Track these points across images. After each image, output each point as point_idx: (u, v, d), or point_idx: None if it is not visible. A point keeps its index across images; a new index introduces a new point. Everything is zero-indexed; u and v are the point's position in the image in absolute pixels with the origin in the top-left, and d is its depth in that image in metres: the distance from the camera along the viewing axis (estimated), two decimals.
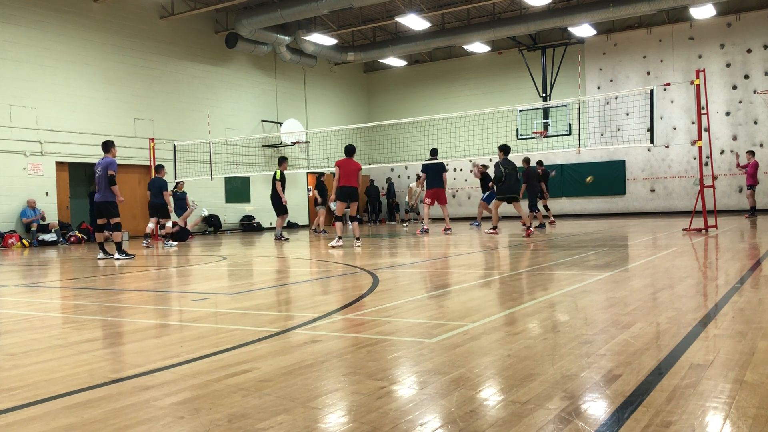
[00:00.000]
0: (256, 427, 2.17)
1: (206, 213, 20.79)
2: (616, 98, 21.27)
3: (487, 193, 16.92)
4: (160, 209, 14.63)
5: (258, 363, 3.05)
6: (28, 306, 5.58)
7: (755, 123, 21.98)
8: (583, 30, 22.29)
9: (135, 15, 19.59)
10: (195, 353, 3.33)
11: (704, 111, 12.42)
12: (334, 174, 12.10)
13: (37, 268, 9.93)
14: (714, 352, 2.97)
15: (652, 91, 12.37)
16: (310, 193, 17.06)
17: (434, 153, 15.70)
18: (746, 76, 22.07)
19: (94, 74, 18.39)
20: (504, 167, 13.08)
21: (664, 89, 22.62)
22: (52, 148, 17.38)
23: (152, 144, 18.17)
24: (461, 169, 26.58)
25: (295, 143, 24.03)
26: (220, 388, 2.64)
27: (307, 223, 25.30)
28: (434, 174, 15.33)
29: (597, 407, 2.27)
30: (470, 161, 16.45)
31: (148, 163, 18.68)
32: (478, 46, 24.94)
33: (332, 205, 15.92)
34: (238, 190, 22.78)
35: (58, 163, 17.64)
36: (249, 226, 22.52)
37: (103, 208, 10.60)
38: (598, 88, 24.19)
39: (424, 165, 15.62)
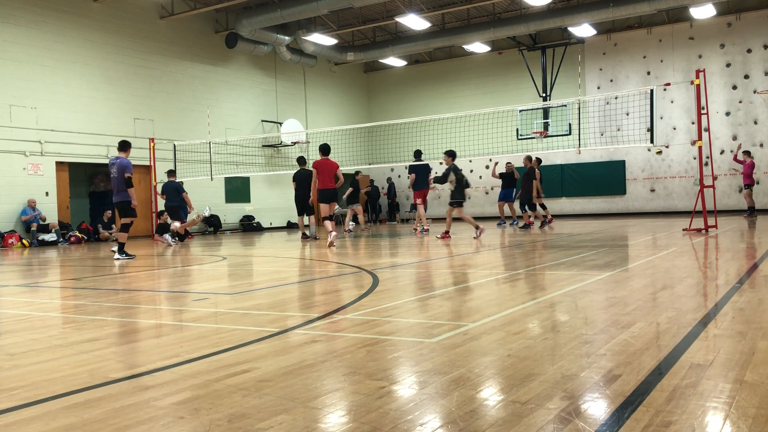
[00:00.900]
0: (256, 427, 2.17)
1: (208, 213, 20.77)
2: (616, 98, 21.26)
3: (503, 192, 17.07)
4: (174, 212, 15.11)
5: (258, 363, 3.05)
6: (28, 306, 5.58)
7: (755, 123, 21.98)
8: (583, 30, 22.28)
9: (135, 15, 19.59)
10: (195, 353, 3.33)
11: (704, 111, 12.42)
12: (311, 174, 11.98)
13: (37, 268, 9.93)
14: (714, 352, 2.97)
15: (652, 91, 12.37)
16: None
17: (419, 155, 15.63)
18: (746, 76, 22.07)
19: (94, 74, 18.39)
20: (455, 173, 13.00)
21: (664, 89, 22.61)
22: (52, 148, 17.38)
23: (152, 144, 18.18)
24: (461, 169, 26.53)
25: (295, 143, 24.03)
26: (220, 388, 2.64)
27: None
28: (423, 175, 15.28)
29: (597, 407, 2.27)
30: (491, 160, 16.48)
31: (148, 163, 18.69)
32: (478, 46, 24.94)
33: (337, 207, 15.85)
34: (238, 190, 22.78)
35: (58, 163, 17.64)
36: (249, 226, 22.52)
37: (119, 208, 10.87)
38: (598, 88, 24.18)
39: (411, 166, 15.56)
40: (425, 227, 15.35)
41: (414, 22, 21.38)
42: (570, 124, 22.07)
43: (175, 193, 15.12)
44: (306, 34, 22.32)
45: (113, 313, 4.88)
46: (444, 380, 2.65)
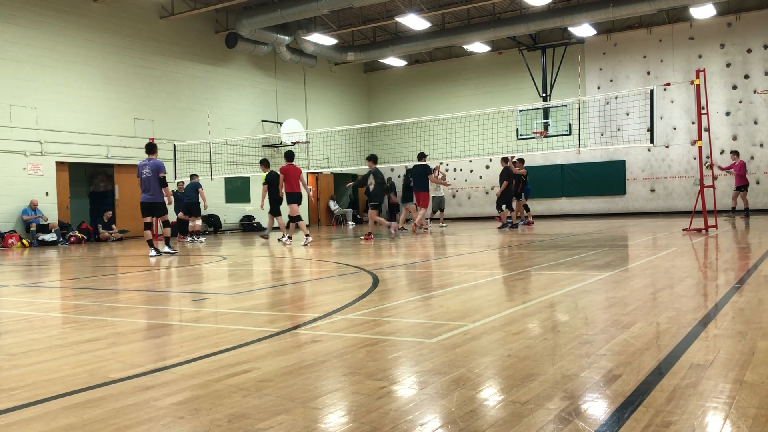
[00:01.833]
0: (256, 427, 2.17)
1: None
2: (616, 98, 21.26)
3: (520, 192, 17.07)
4: (195, 207, 16.18)
5: (258, 363, 3.05)
6: (28, 306, 5.58)
7: (755, 123, 21.97)
8: (583, 30, 22.28)
9: (135, 15, 19.59)
10: (195, 353, 3.33)
11: (704, 111, 12.42)
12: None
13: (37, 268, 9.93)
14: (714, 352, 2.97)
15: (652, 91, 12.37)
16: (310, 193, 17.00)
17: (421, 157, 15.62)
18: (746, 76, 22.06)
19: (94, 74, 18.40)
20: (375, 176, 13.55)
21: (664, 89, 22.61)
22: (52, 148, 17.38)
23: None
24: (461, 169, 26.57)
25: (295, 143, 24.02)
26: (220, 388, 2.64)
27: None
28: (422, 176, 15.29)
29: (597, 407, 2.27)
30: (511, 158, 16.48)
31: None
32: (478, 46, 24.94)
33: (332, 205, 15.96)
34: (238, 190, 22.78)
35: (58, 163, 17.64)
36: (249, 226, 22.52)
37: (153, 208, 11.28)
38: (598, 88, 24.18)
39: (416, 166, 15.55)
40: (425, 227, 15.35)
41: (414, 22, 21.38)
42: (570, 124, 22.07)
43: (194, 191, 16.24)
44: (306, 34, 22.33)
45: (113, 313, 4.88)
46: (444, 380, 2.65)
